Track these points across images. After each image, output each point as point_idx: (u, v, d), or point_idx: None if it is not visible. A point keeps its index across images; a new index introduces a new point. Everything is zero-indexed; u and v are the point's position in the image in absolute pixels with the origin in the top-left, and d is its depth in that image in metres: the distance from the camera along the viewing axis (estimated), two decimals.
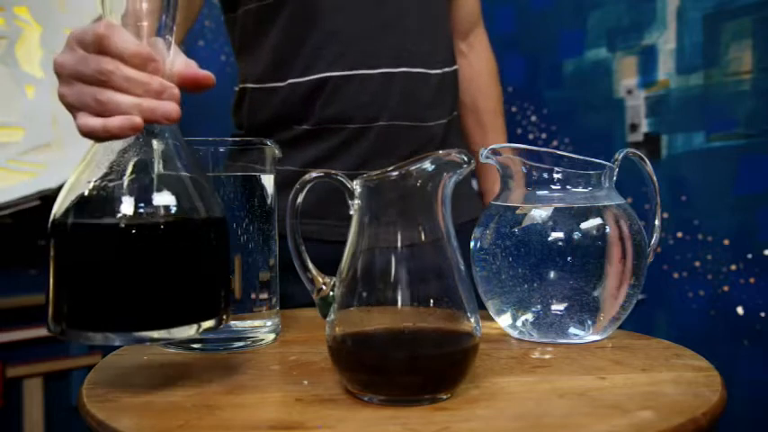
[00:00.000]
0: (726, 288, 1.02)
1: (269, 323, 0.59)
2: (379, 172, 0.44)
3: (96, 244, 0.42)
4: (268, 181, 0.60)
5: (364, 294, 0.43)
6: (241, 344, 0.57)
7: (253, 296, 0.58)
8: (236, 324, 0.57)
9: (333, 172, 0.49)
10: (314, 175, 0.50)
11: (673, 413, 0.41)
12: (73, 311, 0.42)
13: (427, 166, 0.43)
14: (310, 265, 0.52)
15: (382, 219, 0.45)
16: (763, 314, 0.98)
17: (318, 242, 0.75)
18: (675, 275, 1.08)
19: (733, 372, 1.00)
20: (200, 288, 0.44)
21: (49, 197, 1.30)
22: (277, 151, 0.60)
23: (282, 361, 0.53)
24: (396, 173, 0.43)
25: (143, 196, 0.43)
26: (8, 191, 1.29)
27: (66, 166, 1.31)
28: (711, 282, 1.04)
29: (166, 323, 0.42)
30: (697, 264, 1.05)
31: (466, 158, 0.44)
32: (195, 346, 0.56)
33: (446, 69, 0.84)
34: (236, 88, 0.87)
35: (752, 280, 0.99)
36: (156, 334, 0.42)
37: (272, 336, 0.59)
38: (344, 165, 0.78)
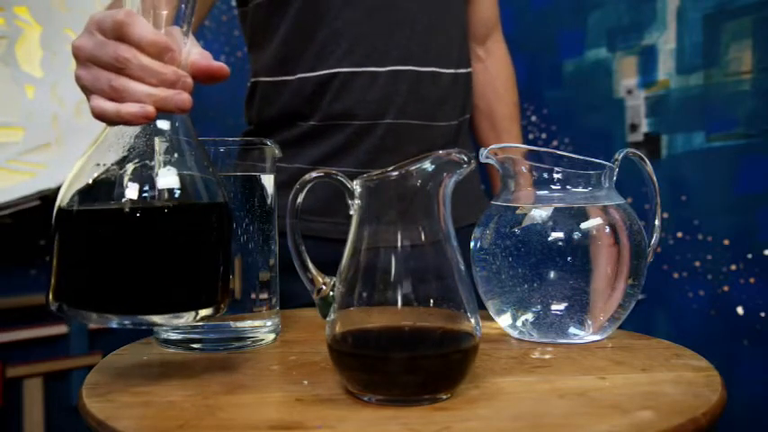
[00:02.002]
0: (726, 288, 1.02)
1: (269, 323, 0.59)
2: (379, 172, 0.44)
3: (100, 226, 0.43)
4: (268, 181, 0.60)
5: (364, 294, 0.43)
6: (241, 344, 0.57)
7: (253, 296, 0.58)
8: (236, 324, 0.57)
9: (333, 171, 0.49)
10: (314, 174, 0.50)
11: (673, 413, 0.41)
12: (73, 290, 0.43)
13: (427, 166, 0.43)
14: (310, 265, 0.52)
15: (382, 219, 0.45)
16: (763, 314, 0.98)
17: (325, 241, 0.75)
18: (675, 275, 1.08)
19: (733, 372, 1.00)
20: (199, 275, 0.45)
21: (48, 197, 1.30)
22: (277, 151, 0.60)
23: (282, 361, 0.53)
24: (396, 173, 0.43)
25: (149, 182, 0.43)
26: (8, 191, 1.29)
27: (66, 166, 1.31)
28: (711, 282, 1.04)
29: (163, 308, 0.43)
30: (697, 264, 1.05)
31: (466, 158, 0.44)
32: (195, 346, 0.56)
33: (459, 71, 0.84)
34: (249, 83, 0.87)
35: (752, 280, 0.99)
36: (154, 318, 0.43)
37: (272, 336, 0.59)
38: (352, 162, 0.78)
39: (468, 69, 0.87)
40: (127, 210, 0.42)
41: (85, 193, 0.44)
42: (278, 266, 0.61)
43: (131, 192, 0.43)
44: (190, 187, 0.45)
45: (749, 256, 0.99)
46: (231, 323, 0.57)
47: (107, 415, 0.42)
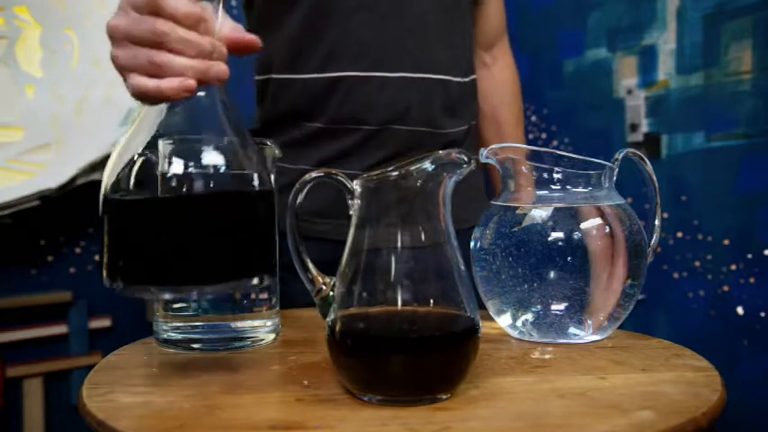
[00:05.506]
0: (726, 288, 1.02)
1: (269, 323, 0.59)
2: (378, 172, 0.44)
3: (148, 207, 0.43)
4: None
5: (364, 294, 0.43)
6: (241, 344, 0.57)
7: (253, 296, 0.58)
8: (236, 324, 0.58)
9: (333, 172, 0.49)
10: (314, 175, 0.50)
11: (673, 413, 0.41)
12: (132, 269, 0.43)
13: (427, 166, 0.43)
14: (310, 266, 0.52)
15: (382, 219, 0.45)
16: (763, 314, 0.98)
17: (328, 242, 0.75)
18: (675, 275, 1.08)
19: (733, 372, 1.00)
20: (247, 248, 0.45)
21: (49, 197, 1.30)
22: (277, 151, 0.60)
23: (282, 361, 0.53)
24: (396, 173, 0.43)
25: (194, 159, 0.44)
26: (8, 191, 1.29)
27: (66, 166, 1.31)
28: (711, 282, 1.04)
29: (214, 280, 0.44)
30: (697, 264, 1.05)
31: (466, 158, 0.44)
32: (195, 346, 0.56)
33: (465, 78, 0.84)
34: (257, 79, 0.86)
35: (752, 280, 0.99)
36: (207, 288, 0.44)
37: (272, 336, 0.59)
38: (357, 167, 0.78)
39: (474, 76, 0.87)
40: (173, 190, 0.43)
41: (132, 177, 0.44)
42: (278, 266, 0.61)
43: (179, 172, 0.43)
44: (233, 159, 0.45)
45: (749, 256, 0.99)
46: (231, 323, 0.58)
47: (107, 415, 0.42)
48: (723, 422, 0.44)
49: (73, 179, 1.31)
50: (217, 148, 0.45)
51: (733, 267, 1.01)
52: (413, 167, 0.43)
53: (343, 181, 0.48)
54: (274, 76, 0.82)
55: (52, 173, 1.31)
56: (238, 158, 0.46)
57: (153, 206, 0.43)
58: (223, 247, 0.44)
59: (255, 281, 0.45)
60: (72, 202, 1.34)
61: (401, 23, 0.78)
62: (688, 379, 0.48)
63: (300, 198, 0.51)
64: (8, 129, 1.33)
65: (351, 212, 0.46)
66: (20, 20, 1.34)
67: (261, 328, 0.58)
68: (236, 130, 0.46)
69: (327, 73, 0.78)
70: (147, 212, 0.43)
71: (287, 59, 0.80)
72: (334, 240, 0.76)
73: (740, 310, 1.01)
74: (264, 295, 0.59)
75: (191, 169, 0.43)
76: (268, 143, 0.59)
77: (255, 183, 0.46)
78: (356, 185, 0.46)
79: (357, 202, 0.46)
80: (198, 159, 0.44)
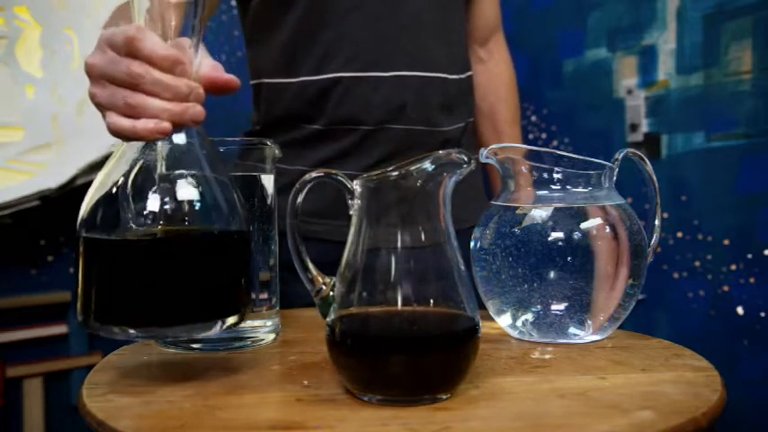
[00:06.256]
0: (726, 288, 1.02)
1: (269, 323, 0.59)
2: (379, 172, 0.44)
3: (121, 244, 0.43)
4: (268, 181, 0.60)
5: (364, 294, 0.43)
6: (241, 344, 0.57)
7: (253, 296, 0.58)
8: None
9: (333, 172, 0.49)
10: (314, 175, 0.50)
11: (673, 413, 0.41)
12: (99, 307, 0.43)
13: (427, 166, 0.43)
14: (310, 266, 0.52)
15: (382, 219, 0.45)
16: (763, 314, 0.98)
17: (327, 242, 0.75)
18: (675, 275, 1.08)
19: (733, 372, 1.00)
20: (215, 290, 0.45)
21: (49, 197, 1.30)
22: (277, 151, 0.60)
23: (282, 361, 0.53)
24: (396, 173, 0.43)
25: (167, 196, 0.44)
26: (8, 191, 1.29)
27: (66, 166, 1.31)
28: (711, 282, 1.04)
29: (188, 320, 0.43)
30: (697, 264, 1.05)
31: (465, 158, 0.44)
32: (195, 346, 0.56)
33: (462, 75, 0.84)
34: (252, 83, 0.86)
35: (752, 280, 0.99)
36: (177, 330, 0.43)
37: (272, 336, 0.59)
38: (355, 167, 0.78)
39: (470, 73, 0.87)
40: (153, 236, 0.43)
41: (106, 211, 0.44)
42: (278, 266, 0.61)
43: (154, 210, 0.43)
44: (209, 200, 0.45)
45: (749, 256, 0.99)
46: None
47: (107, 415, 0.42)
48: (723, 422, 0.44)
49: (73, 179, 1.31)
50: (191, 189, 0.45)
51: (733, 267, 1.01)
52: (413, 167, 0.43)
53: (344, 181, 0.48)
54: (265, 80, 0.82)
55: (52, 173, 1.31)
56: (213, 200, 0.46)
57: (120, 247, 0.43)
58: (189, 290, 0.43)
59: (228, 321, 0.45)
60: (72, 202, 1.33)
61: (396, 22, 0.78)
62: (688, 379, 0.48)
63: (300, 198, 0.51)
64: (8, 129, 1.33)
65: (351, 212, 0.46)
66: (20, 20, 1.34)
67: (261, 328, 0.58)
68: (213, 170, 0.46)
69: (323, 75, 0.78)
70: (113, 253, 0.43)
71: (282, 63, 0.80)
72: (333, 241, 0.76)
73: (740, 310, 1.01)
74: (264, 295, 0.59)
75: (163, 209, 0.43)
76: (268, 143, 0.59)
77: (228, 224, 0.46)
78: (356, 185, 0.46)
79: (357, 202, 0.46)
80: (171, 200, 0.44)
